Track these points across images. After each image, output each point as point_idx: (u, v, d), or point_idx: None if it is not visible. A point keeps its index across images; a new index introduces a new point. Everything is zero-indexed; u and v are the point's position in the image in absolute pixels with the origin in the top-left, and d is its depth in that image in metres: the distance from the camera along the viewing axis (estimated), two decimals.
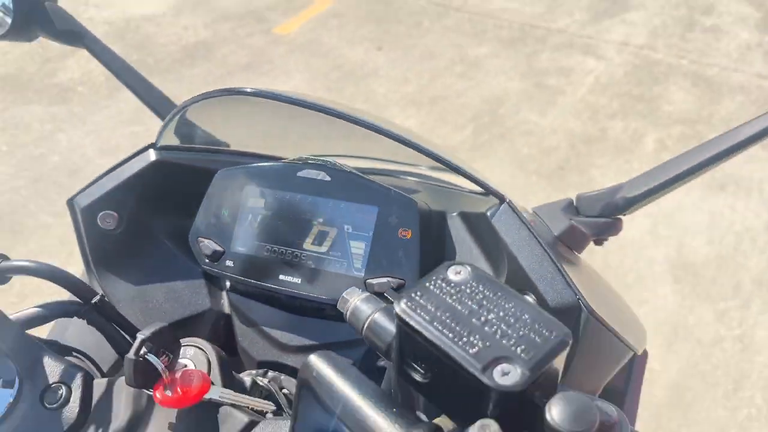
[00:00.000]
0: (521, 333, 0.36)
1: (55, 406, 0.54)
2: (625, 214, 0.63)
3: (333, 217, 0.66)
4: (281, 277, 0.67)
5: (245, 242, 0.69)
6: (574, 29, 3.50)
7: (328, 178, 0.67)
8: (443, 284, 0.39)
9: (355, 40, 3.43)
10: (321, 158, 0.72)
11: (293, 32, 3.56)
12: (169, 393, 0.52)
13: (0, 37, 0.85)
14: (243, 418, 0.54)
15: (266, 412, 0.58)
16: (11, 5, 0.83)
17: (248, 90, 0.65)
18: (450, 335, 0.36)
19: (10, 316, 0.58)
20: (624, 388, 0.76)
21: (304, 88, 3.05)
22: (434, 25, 3.57)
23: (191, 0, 3.83)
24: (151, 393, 0.52)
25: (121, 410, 0.55)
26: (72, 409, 0.54)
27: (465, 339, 0.36)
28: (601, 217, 0.62)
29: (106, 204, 0.71)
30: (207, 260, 0.70)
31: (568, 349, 0.36)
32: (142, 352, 0.50)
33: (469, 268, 0.40)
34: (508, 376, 0.34)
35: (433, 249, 0.65)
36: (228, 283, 0.73)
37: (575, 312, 0.57)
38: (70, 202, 0.72)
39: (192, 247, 0.71)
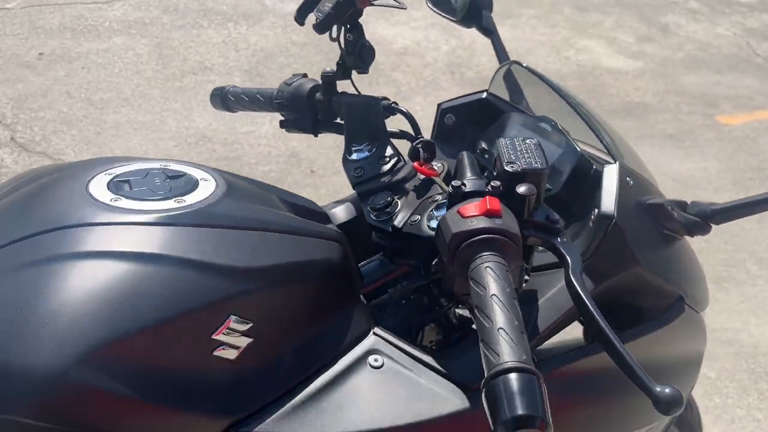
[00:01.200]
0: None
1: None
2: (714, 223, 0.80)
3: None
4: None
5: None
6: None
7: (549, 129, 0.94)
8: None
9: None
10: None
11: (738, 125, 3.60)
12: None
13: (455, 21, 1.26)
14: None
15: None
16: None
17: (533, 69, 0.98)
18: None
19: None
20: None
21: None
22: None
23: (651, 66, 4.16)
24: None
25: None
26: None
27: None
28: (696, 216, 0.81)
29: (449, 111, 1.08)
30: None
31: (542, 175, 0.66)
32: None
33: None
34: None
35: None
36: None
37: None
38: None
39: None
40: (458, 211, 0.62)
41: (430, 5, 1.13)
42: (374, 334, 0.74)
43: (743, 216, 0.82)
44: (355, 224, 0.89)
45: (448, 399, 0.70)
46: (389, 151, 0.90)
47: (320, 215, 0.81)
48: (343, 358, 0.71)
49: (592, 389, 0.77)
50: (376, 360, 0.71)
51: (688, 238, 0.88)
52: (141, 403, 0.58)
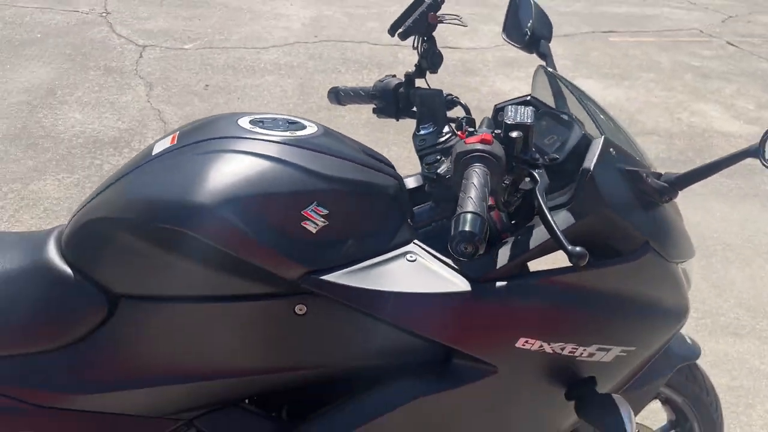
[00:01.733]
0: None
1: None
2: (678, 188, 1.05)
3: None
4: None
5: None
6: None
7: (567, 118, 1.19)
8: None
9: None
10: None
11: None
12: None
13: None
14: None
15: None
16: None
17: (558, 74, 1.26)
18: None
19: None
20: None
21: None
22: None
23: None
24: None
25: None
26: None
27: None
28: (665, 183, 1.05)
29: (501, 109, 1.34)
30: None
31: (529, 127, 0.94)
32: None
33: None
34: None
35: None
36: None
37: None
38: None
39: None
40: (465, 142, 0.93)
41: (504, 37, 1.46)
42: (414, 243, 1.05)
43: (700, 179, 1.06)
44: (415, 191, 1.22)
45: (458, 284, 0.99)
46: (446, 129, 1.23)
47: (388, 163, 1.15)
48: (389, 252, 1.03)
49: (574, 301, 1.02)
50: (411, 257, 1.02)
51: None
52: (256, 242, 0.93)
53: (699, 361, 1.46)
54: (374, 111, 1.39)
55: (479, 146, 0.90)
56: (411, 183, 1.25)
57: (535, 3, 1.40)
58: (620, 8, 6.71)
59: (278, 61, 4.56)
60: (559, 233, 0.86)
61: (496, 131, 0.97)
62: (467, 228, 0.78)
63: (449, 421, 1.04)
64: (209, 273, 0.95)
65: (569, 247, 0.84)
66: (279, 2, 5.90)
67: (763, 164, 1.02)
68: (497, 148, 0.91)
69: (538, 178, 0.93)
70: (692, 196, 3.39)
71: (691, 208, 3.27)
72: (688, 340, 1.42)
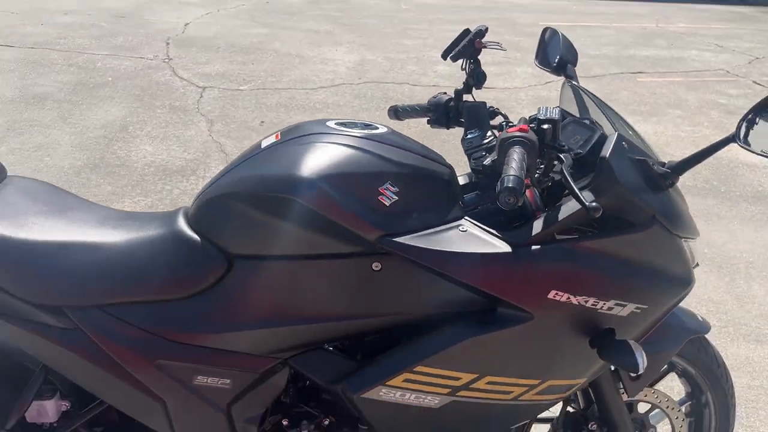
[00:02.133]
0: None
1: None
2: (678, 173, 1.30)
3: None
4: None
5: None
6: None
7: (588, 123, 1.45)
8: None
9: None
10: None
11: None
12: None
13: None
14: None
15: None
16: None
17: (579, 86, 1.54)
18: None
19: None
20: None
21: None
22: None
23: None
24: None
25: None
26: None
27: None
28: (666, 168, 1.30)
29: None
30: None
31: (557, 122, 1.22)
32: None
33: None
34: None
35: None
36: None
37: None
38: None
39: None
40: (507, 131, 1.20)
41: (537, 63, 1.75)
42: (464, 219, 1.32)
43: (694, 165, 1.31)
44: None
45: (501, 247, 1.25)
46: (489, 134, 1.51)
47: (442, 158, 1.43)
48: (445, 225, 1.29)
49: (594, 262, 1.27)
50: (463, 228, 1.29)
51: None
52: (344, 208, 1.21)
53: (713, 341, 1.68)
54: (428, 122, 1.68)
55: (518, 133, 1.18)
56: (460, 180, 1.52)
57: (562, 34, 1.69)
58: (649, 51, 7.00)
59: (326, 101, 4.94)
60: (578, 192, 1.13)
61: (531, 125, 1.25)
62: (510, 185, 1.05)
63: (495, 359, 1.29)
64: (306, 234, 1.23)
65: (587, 202, 1.11)
66: (325, 48, 6.35)
67: (741, 146, 1.27)
68: (532, 135, 1.19)
69: (563, 159, 1.20)
70: (718, 220, 3.60)
71: (717, 230, 3.47)
72: (699, 317, 1.64)
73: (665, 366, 1.64)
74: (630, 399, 1.63)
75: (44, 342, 1.24)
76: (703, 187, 3.97)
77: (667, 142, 4.59)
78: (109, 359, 1.24)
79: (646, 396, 1.65)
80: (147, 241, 1.32)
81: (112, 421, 1.39)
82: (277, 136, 1.36)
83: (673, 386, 1.96)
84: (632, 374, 1.50)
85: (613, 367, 1.51)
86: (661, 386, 1.70)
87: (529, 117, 1.50)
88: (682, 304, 1.45)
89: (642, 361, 1.25)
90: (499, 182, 1.08)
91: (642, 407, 1.68)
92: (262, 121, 4.49)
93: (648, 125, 4.86)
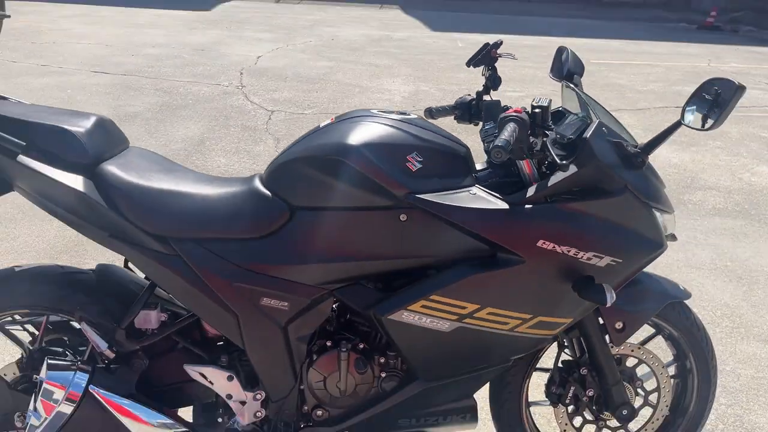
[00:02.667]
0: None
1: None
2: (646, 153, 1.61)
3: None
4: None
5: None
6: None
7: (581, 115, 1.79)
8: None
9: None
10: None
11: None
12: None
13: None
14: None
15: None
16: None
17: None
18: None
19: None
20: None
21: None
22: None
23: None
24: None
25: None
26: None
27: None
28: (637, 149, 1.62)
29: None
30: None
31: (545, 108, 1.58)
32: None
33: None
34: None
35: None
36: None
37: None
38: None
39: None
40: (505, 113, 1.57)
41: (550, 76, 2.12)
42: (476, 186, 1.68)
43: (658, 145, 1.63)
44: None
45: (502, 205, 1.60)
46: None
47: (459, 140, 1.79)
48: (460, 189, 1.66)
49: (576, 219, 1.60)
50: (473, 191, 1.64)
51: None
52: (381, 168, 1.59)
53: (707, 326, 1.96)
54: (455, 118, 2.06)
55: (513, 114, 1.54)
56: (478, 166, 1.89)
57: (571, 51, 2.05)
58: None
59: None
60: (554, 156, 1.48)
61: (525, 110, 1.61)
62: (499, 144, 1.42)
63: (493, 293, 1.62)
64: (350, 190, 1.61)
65: (560, 162, 1.46)
66: (383, 80, 6.85)
67: (687, 127, 1.60)
68: (524, 116, 1.55)
69: (548, 135, 1.55)
70: (744, 237, 3.80)
71: (742, 247, 3.68)
72: (680, 286, 1.93)
73: (651, 327, 1.93)
74: (620, 353, 1.92)
75: (152, 263, 1.65)
76: (734, 209, 4.17)
77: (702, 169, 4.81)
78: (199, 280, 1.64)
79: (633, 351, 1.94)
80: (231, 194, 1.72)
81: (197, 332, 1.78)
82: (332, 119, 1.77)
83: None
84: (617, 326, 1.81)
85: (601, 321, 1.82)
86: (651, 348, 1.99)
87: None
88: (681, 281, 1.75)
89: (610, 297, 1.56)
90: (491, 145, 1.45)
91: (632, 363, 1.96)
92: None
93: (686, 154, 5.08)
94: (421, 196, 1.60)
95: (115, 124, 1.76)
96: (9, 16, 1.55)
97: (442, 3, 12.83)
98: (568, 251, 1.61)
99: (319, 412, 1.78)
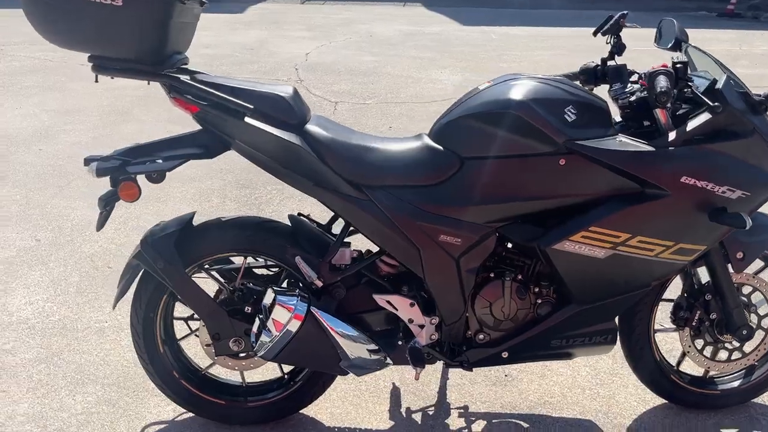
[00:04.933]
0: None
1: None
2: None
3: None
4: None
5: None
6: None
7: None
8: None
9: None
10: None
11: None
12: None
13: None
14: None
15: None
16: None
17: None
18: None
19: None
20: None
21: None
22: None
23: None
24: None
25: None
26: None
27: None
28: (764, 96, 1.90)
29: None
30: None
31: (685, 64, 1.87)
32: None
33: None
34: None
35: None
36: None
37: None
38: None
39: None
40: (652, 68, 1.86)
41: (656, 45, 2.39)
42: (620, 134, 1.95)
43: None
44: None
45: (647, 148, 1.88)
46: (629, 85, 2.15)
47: (600, 97, 2.07)
48: (607, 137, 1.93)
49: (712, 158, 1.87)
50: (619, 138, 1.92)
51: None
52: (545, 118, 1.86)
53: None
54: (581, 83, 2.34)
55: (661, 68, 1.83)
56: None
57: (673, 20, 2.32)
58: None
59: (440, 110, 5.66)
60: (704, 98, 1.77)
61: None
62: (663, 89, 1.71)
63: (643, 224, 1.90)
64: (516, 138, 1.89)
65: (711, 103, 1.74)
66: (431, 71, 7.14)
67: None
68: (671, 68, 1.84)
69: (692, 84, 1.84)
70: None
71: None
72: None
73: (761, 260, 2.21)
74: (738, 282, 2.19)
75: (349, 207, 1.93)
76: None
77: None
78: (388, 221, 1.93)
79: (749, 280, 2.21)
80: (408, 149, 2.00)
81: (383, 266, 2.07)
82: (488, 82, 2.05)
83: None
84: (737, 256, 2.08)
85: (724, 252, 2.10)
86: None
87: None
88: None
89: (749, 222, 1.84)
90: (651, 92, 1.74)
91: (747, 291, 2.23)
92: (390, 126, 5.26)
93: None
94: (579, 142, 1.88)
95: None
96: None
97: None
98: (707, 185, 1.88)
99: (481, 336, 2.07)
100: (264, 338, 1.89)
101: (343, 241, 2.01)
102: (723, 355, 2.26)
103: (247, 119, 1.86)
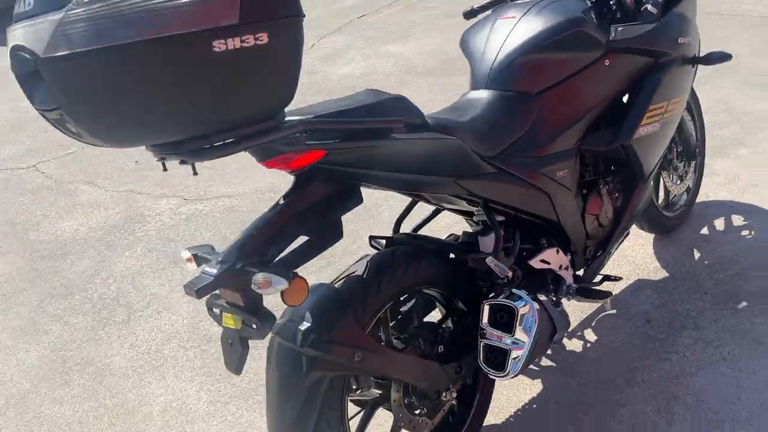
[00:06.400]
0: None
1: None
2: None
3: None
4: None
5: None
6: None
7: None
8: None
9: None
10: None
11: None
12: None
13: None
14: None
15: None
16: None
17: None
18: None
19: None
20: None
21: None
22: None
23: None
24: None
25: None
26: None
27: None
28: None
29: None
30: None
31: None
32: None
33: None
34: None
35: None
36: None
37: None
38: None
39: None
40: None
41: None
42: (615, 25, 2.09)
43: None
44: None
45: (652, 24, 2.05)
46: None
47: None
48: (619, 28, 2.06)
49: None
50: (620, 28, 2.06)
51: None
52: (597, 26, 1.86)
53: None
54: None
55: None
56: None
57: None
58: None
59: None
60: None
61: None
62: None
63: (668, 87, 2.05)
64: (579, 55, 1.83)
65: None
66: None
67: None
68: None
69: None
70: None
71: None
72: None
73: None
74: None
75: (491, 184, 1.68)
76: None
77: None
78: (520, 180, 1.77)
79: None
80: (489, 108, 1.79)
81: (516, 221, 1.91)
82: (516, 13, 1.96)
83: None
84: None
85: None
86: None
87: None
88: None
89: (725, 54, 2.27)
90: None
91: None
92: None
93: None
94: (614, 38, 1.98)
95: None
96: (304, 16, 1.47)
97: None
98: (686, 40, 2.23)
99: (592, 249, 2.14)
100: (515, 354, 1.65)
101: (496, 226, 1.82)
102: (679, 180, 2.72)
103: (395, 134, 1.50)
